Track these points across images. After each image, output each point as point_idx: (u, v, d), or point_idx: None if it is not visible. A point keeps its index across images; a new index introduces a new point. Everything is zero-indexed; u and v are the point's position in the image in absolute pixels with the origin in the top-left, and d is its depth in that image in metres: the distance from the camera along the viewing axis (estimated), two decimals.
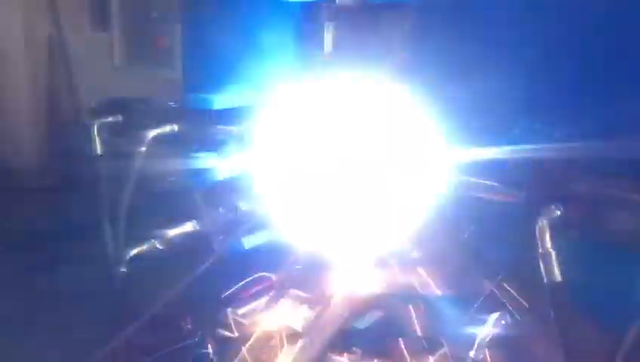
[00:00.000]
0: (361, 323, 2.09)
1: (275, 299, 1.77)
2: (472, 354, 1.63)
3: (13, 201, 6.29)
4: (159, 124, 2.30)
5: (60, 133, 6.37)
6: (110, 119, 2.46)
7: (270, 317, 1.76)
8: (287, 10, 2.19)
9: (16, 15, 6.45)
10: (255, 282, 1.90)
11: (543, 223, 1.44)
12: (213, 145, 2.34)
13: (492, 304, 1.72)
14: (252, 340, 1.76)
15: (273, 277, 1.86)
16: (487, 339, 1.64)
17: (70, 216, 5.43)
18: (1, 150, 6.94)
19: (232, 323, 1.86)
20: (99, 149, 2.36)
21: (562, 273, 1.41)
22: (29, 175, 6.92)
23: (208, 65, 2.44)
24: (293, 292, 1.79)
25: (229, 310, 1.91)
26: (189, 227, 2.33)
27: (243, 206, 2.28)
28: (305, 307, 1.77)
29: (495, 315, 1.68)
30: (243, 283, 1.91)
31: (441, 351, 1.76)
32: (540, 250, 1.42)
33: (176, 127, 2.31)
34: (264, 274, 1.88)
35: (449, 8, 1.87)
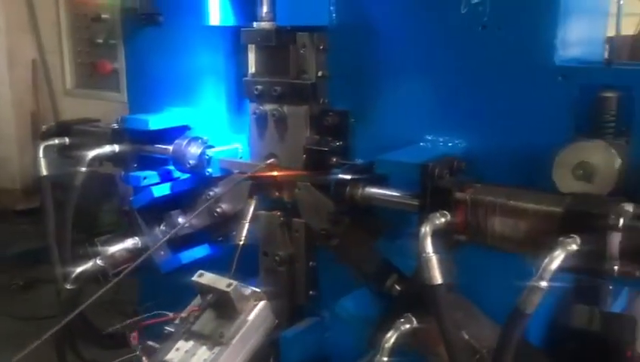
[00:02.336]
0: (290, 332, 2.18)
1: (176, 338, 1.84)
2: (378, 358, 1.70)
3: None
4: (101, 144, 2.41)
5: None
6: (57, 142, 2.57)
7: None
8: (220, 35, 2.30)
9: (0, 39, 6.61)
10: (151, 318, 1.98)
11: (425, 229, 1.52)
12: (152, 163, 2.44)
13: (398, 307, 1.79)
14: None
15: (171, 314, 1.94)
16: (392, 343, 1.70)
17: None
18: None
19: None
20: (45, 170, 2.46)
21: (444, 276, 1.49)
22: (16, 197, 7.05)
23: (151, 88, 2.55)
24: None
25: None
26: (130, 244, 2.42)
27: (183, 222, 2.38)
28: (204, 348, 1.83)
29: (401, 319, 1.74)
30: (139, 318, 1.99)
31: None
32: (423, 255, 1.50)
33: (117, 148, 2.42)
34: (161, 311, 1.96)
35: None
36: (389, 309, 1.84)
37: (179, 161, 2.30)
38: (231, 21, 2.10)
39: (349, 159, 2.03)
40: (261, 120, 2.14)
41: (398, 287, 1.88)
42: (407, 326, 1.74)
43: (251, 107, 2.17)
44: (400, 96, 1.91)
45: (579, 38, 1.77)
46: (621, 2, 3.38)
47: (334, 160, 2.01)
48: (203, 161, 2.27)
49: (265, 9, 2.05)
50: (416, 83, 1.87)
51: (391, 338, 1.71)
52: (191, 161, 2.28)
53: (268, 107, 2.11)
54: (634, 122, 1.55)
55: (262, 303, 2.01)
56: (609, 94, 1.56)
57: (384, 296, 1.91)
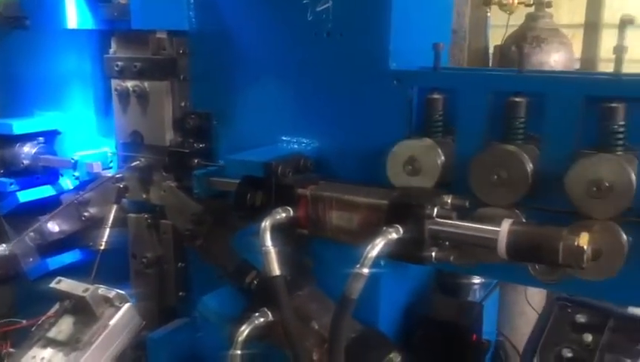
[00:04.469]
0: (157, 333, 2.19)
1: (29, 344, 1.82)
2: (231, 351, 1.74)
3: None
4: None
5: None
6: None
7: None
8: (86, 39, 2.30)
9: None
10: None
11: (265, 224, 1.59)
12: (17, 168, 2.39)
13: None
14: None
15: (24, 322, 1.92)
16: (245, 336, 1.76)
17: None
18: None
19: None
20: None
21: (282, 268, 1.57)
22: None
23: (20, 92, 2.50)
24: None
25: None
26: None
27: (51, 227, 2.34)
28: (60, 355, 1.83)
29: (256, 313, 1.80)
30: None
31: None
32: (262, 248, 1.57)
33: None
34: (13, 319, 1.95)
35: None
36: (249, 305, 1.90)
37: (12, 161, 2.31)
38: (90, 24, 2.10)
39: (211, 161, 2.08)
40: (123, 96, 2.15)
41: (256, 283, 1.94)
42: (262, 319, 1.80)
43: (113, 84, 2.18)
44: (257, 100, 1.99)
45: (420, 45, 1.90)
46: (488, 14, 3.65)
47: (196, 161, 2.05)
48: (37, 160, 2.30)
49: None
50: (271, 87, 1.95)
51: (244, 331, 1.76)
52: (25, 162, 2.28)
53: (129, 83, 2.13)
54: (459, 122, 1.69)
55: (126, 306, 2.03)
56: (436, 96, 1.69)
57: (245, 291, 1.97)
